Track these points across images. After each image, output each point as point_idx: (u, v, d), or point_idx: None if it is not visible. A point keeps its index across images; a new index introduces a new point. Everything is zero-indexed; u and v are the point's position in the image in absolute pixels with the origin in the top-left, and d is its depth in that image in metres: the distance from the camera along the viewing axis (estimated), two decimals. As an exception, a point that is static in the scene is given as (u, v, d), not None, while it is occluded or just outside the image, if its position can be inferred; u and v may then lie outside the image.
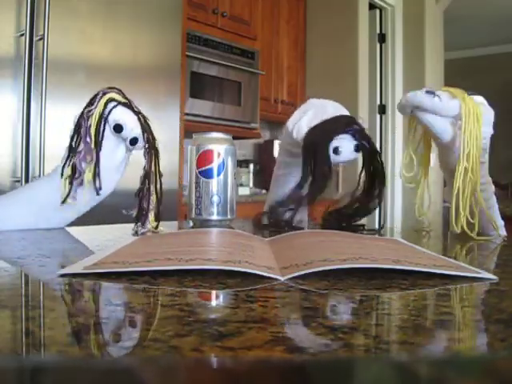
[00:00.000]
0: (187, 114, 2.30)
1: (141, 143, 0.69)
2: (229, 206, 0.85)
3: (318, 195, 0.73)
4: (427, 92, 0.67)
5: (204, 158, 0.83)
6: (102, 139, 0.67)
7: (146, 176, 0.71)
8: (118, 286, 0.34)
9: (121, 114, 0.67)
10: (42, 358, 0.21)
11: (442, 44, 3.79)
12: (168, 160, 1.83)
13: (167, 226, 0.76)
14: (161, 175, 0.72)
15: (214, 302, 0.33)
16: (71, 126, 0.68)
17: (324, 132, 0.72)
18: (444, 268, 0.38)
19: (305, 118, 0.74)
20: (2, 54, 1.45)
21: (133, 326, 0.26)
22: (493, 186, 0.73)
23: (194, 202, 0.84)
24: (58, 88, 1.55)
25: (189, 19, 2.29)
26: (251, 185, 3.04)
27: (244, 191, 2.74)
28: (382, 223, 0.80)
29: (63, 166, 0.67)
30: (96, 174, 0.67)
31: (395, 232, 1.01)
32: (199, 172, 0.83)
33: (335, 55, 3.21)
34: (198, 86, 2.42)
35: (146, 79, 1.81)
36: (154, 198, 0.71)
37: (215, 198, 0.83)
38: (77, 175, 0.67)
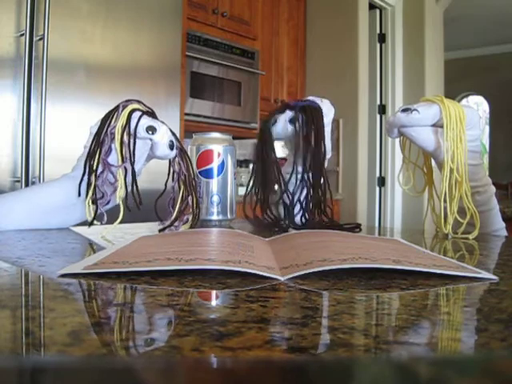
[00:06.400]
0: (187, 114, 2.30)
1: (175, 150, 0.69)
2: (229, 206, 0.85)
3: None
4: (403, 110, 0.69)
5: (204, 158, 0.83)
6: (134, 149, 0.65)
7: (184, 183, 0.70)
8: (118, 285, 0.34)
9: (150, 121, 0.67)
10: (42, 358, 0.21)
11: (441, 44, 3.79)
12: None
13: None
14: (196, 182, 0.73)
15: (213, 302, 0.33)
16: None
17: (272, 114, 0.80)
18: (444, 268, 0.38)
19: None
20: (2, 53, 1.45)
21: (133, 326, 0.26)
22: (493, 188, 0.72)
23: (194, 202, 0.84)
24: (58, 88, 1.55)
25: (189, 19, 2.29)
26: (251, 185, 3.03)
27: (244, 191, 2.74)
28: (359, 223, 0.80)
29: (80, 183, 0.66)
30: (133, 191, 0.65)
31: (395, 232, 1.01)
32: (199, 172, 0.83)
33: (335, 55, 3.21)
34: (198, 86, 2.42)
35: (146, 79, 1.81)
36: (194, 205, 0.71)
37: (215, 198, 0.83)
38: (99, 196, 0.66)
